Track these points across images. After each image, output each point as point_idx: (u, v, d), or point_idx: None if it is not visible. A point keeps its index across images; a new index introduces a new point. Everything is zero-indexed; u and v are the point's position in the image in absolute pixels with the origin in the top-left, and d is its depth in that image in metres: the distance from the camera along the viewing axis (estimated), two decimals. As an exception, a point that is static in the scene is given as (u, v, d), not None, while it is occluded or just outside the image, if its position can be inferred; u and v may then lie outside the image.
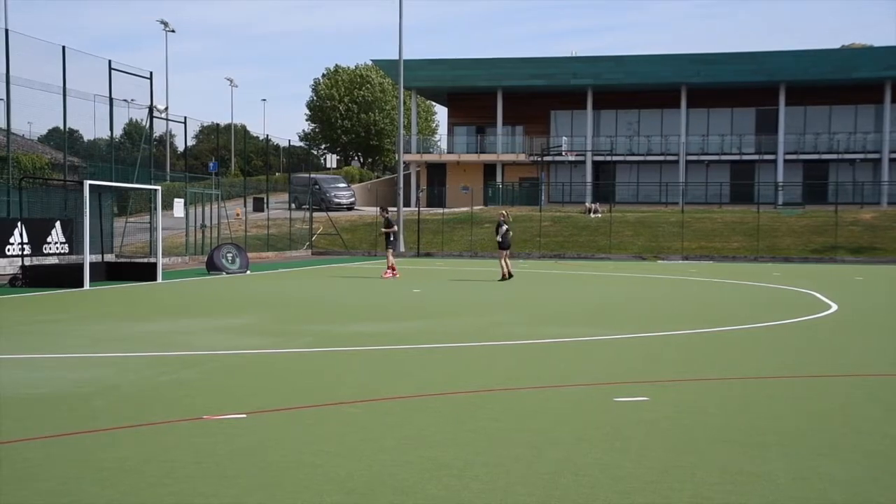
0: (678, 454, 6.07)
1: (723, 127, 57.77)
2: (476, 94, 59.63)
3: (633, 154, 58.13)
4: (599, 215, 47.42)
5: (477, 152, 60.15)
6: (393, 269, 25.03)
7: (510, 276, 23.77)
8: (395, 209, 39.20)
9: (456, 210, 50.59)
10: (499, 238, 23.88)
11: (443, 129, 75.34)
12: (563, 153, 56.48)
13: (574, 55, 62.59)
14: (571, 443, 6.33)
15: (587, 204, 50.95)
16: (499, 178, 58.74)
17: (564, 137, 57.49)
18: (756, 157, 56.31)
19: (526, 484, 5.32)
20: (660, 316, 15.69)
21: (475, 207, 48.68)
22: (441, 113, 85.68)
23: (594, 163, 57.96)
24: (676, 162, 56.93)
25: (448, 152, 61.57)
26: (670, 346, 11.93)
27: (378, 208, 28.84)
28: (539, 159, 56.30)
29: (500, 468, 5.64)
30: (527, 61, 57.86)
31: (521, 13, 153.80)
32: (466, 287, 22.38)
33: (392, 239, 25.69)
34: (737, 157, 56.68)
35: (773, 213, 46.54)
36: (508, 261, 23.95)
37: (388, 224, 25.58)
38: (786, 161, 55.26)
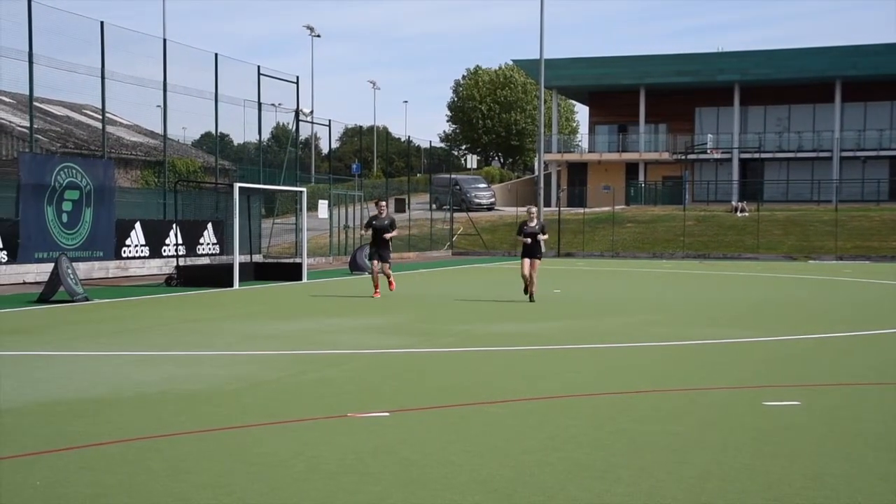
0: (831, 461, 5.79)
1: (881, 121, 55.11)
2: (618, 92, 58.80)
3: (783, 151, 56.14)
4: (746, 214, 46.00)
5: (619, 151, 59.33)
6: (376, 288, 18.16)
7: (531, 296, 17.35)
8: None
9: (597, 210, 50.03)
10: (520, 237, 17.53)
11: (584, 128, 74.63)
12: (709, 151, 55.08)
13: (720, 50, 60.91)
14: (718, 447, 6.13)
15: (733, 202, 49.52)
16: (641, 177, 57.78)
17: (710, 135, 56.05)
18: (918, 151, 53.49)
19: (671, 488, 5.18)
20: (811, 317, 15.09)
21: (617, 207, 48.03)
22: (582, 112, 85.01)
23: (741, 160, 56.28)
24: (830, 158, 54.66)
25: (589, 151, 60.97)
26: (823, 348, 11.45)
27: (375, 201, 20.86)
28: (683, 157, 55.07)
29: (644, 471, 5.51)
30: (670, 58, 56.69)
31: (665, 9, 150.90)
32: (608, 287, 22.08)
33: (376, 248, 18.18)
34: (896, 153, 53.99)
35: (934, 210, 44.09)
36: (536, 275, 17.32)
37: (368, 224, 18.68)
38: (950, 155, 52.28)
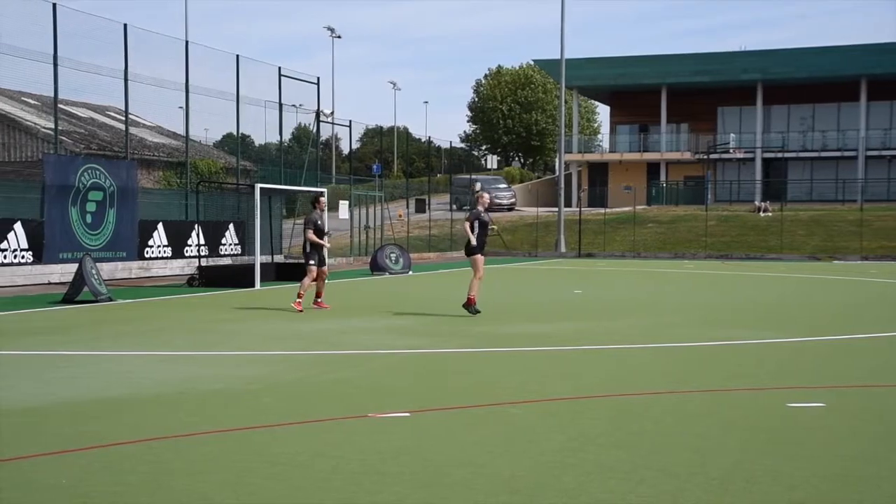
0: (857, 463, 5.73)
1: (907, 119, 54.64)
2: (639, 91, 58.61)
3: (807, 150, 55.76)
4: (769, 214, 45.72)
5: (640, 151, 59.14)
6: (300, 297, 15.39)
7: (474, 307, 14.52)
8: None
9: (618, 210, 49.87)
10: (473, 239, 14.51)
11: (605, 128, 74.45)
12: (731, 150, 54.79)
13: (742, 49, 60.58)
14: (742, 448, 6.08)
15: (756, 202, 49.24)
16: (662, 177, 57.55)
17: (732, 134, 55.77)
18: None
19: (694, 489, 5.14)
20: (836, 318, 14.96)
21: (638, 207, 47.86)
22: (603, 112, 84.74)
23: (764, 160, 55.96)
24: (855, 158, 54.26)
25: (610, 151, 60.81)
26: (848, 349, 11.35)
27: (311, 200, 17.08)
28: (705, 157, 54.80)
29: (667, 472, 5.47)
30: (692, 57, 56.46)
31: (686, 8, 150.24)
32: (629, 287, 21.99)
33: (311, 250, 15.63)
34: (924, 152, 53.51)
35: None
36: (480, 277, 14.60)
37: (315, 227, 15.77)
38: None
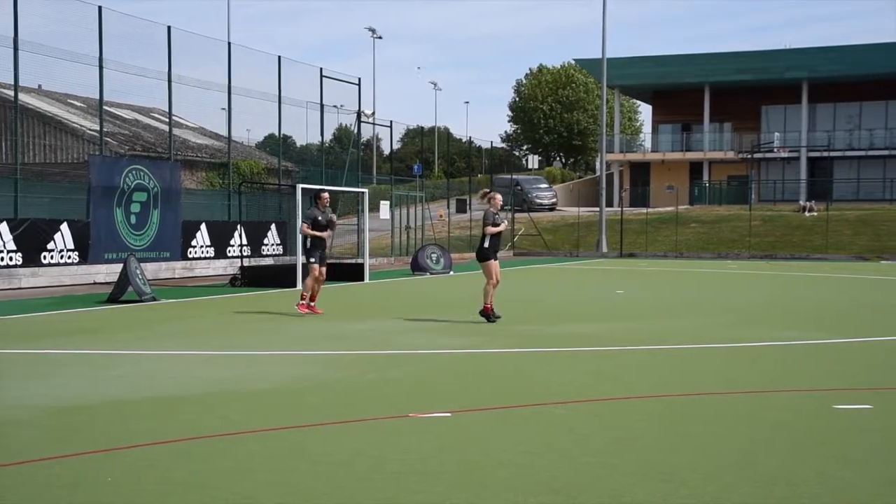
0: (908, 468, 5.63)
1: (956, 117, 53.67)
2: (682, 90, 58.12)
3: (854, 149, 54.94)
4: (815, 213, 45.10)
5: (682, 150, 58.64)
6: (303, 299, 14.76)
7: (493, 314, 13.60)
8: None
9: (660, 210, 49.49)
10: (484, 243, 13.69)
11: (647, 128, 73.94)
12: (775, 150, 54.13)
13: (787, 47, 59.82)
14: (787, 450, 6.00)
15: (801, 202, 48.60)
16: (705, 177, 57.03)
17: (776, 133, 55.10)
18: None
19: (738, 492, 5.08)
20: (884, 319, 14.73)
21: (680, 207, 47.45)
22: (645, 111, 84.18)
23: (809, 159, 55.23)
24: (903, 156, 53.35)
25: (652, 151, 60.37)
26: (896, 351, 11.15)
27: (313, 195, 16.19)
28: (749, 156, 54.22)
29: (711, 475, 5.41)
30: (736, 55, 55.85)
31: (729, 6, 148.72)
32: (672, 288, 21.81)
33: (311, 247, 14.78)
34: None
35: None
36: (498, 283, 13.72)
37: (314, 221, 14.85)
38: None
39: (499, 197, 14.08)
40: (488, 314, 13.56)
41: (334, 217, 14.94)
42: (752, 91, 56.66)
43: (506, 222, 14.26)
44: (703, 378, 8.98)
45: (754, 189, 53.00)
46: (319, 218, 14.73)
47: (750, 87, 56.29)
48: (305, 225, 14.76)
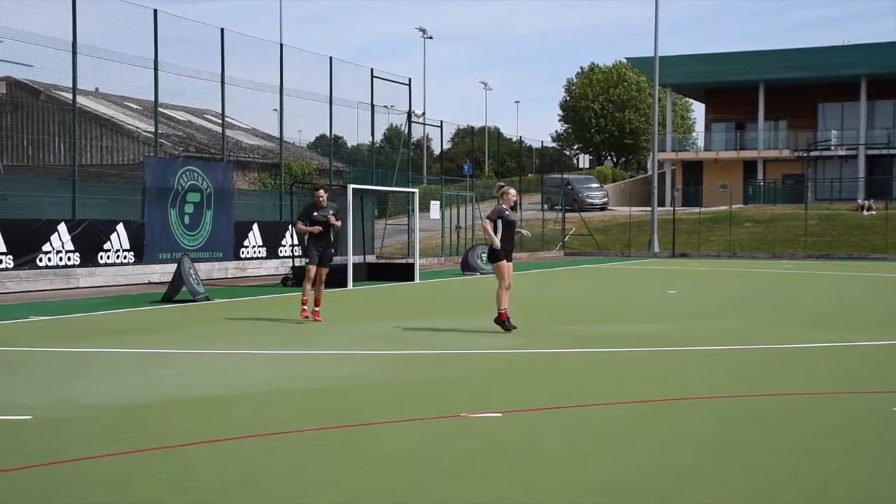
0: (971, 473, 5.48)
1: None
2: (735, 88, 57.37)
3: (914, 146, 53.79)
4: (873, 213, 44.24)
5: (736, 149, 57.89)
6: (304, 304, 13.37)
7: (508, 322, 12.27)
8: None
9: (713, 209, 48.91)
10: (497, 240, 12.20)
11: (699, 126, 73.10)
12: (832, 147, 53.20)
13: (845, 44, 58.73)
14: (843, 453, 5.89)
15: (859, 201, 47.72)
16: (759, 176, 56.24)
17: (833, 131, 54.16)
18: None
19: (791, 494, 5.00)
20: (944, 321, 14.38)
21: (734, 206, 46.86)
22: (698, 109, 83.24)
23: (868, 157, 54.19)
24: (970, 153, 52.10)
25: (705, 150, 59.70)
26: (958, 353, 10.88)
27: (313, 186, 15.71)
28: (804, 155, 53.36)
29: (764, 476, 5.32)
30: (791, 52, 54.96)
31: (783, 2, 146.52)
32: (725, 288, 21.53)
33: (312, 245, 13.64)
34: None
35: None
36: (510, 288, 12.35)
37: (306, 215, 13.75)
38: None
39: (512, 192, 12.67)
40: (504, 322, 12.18)
41: (332, 217, 13.52)
42: (808, 88, 55.73)
43: (523, 228, 12.80)
44: (755, 379, 8.85)
45: (810, 188, 52.12)
46: (315, 214, 13.51)
47: (806, 84, 55.37)
48: (301, 223, 13.65)
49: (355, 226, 23.33)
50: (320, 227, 13.44)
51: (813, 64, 53.86)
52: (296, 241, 26.21)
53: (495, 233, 12.14)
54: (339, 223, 13.87)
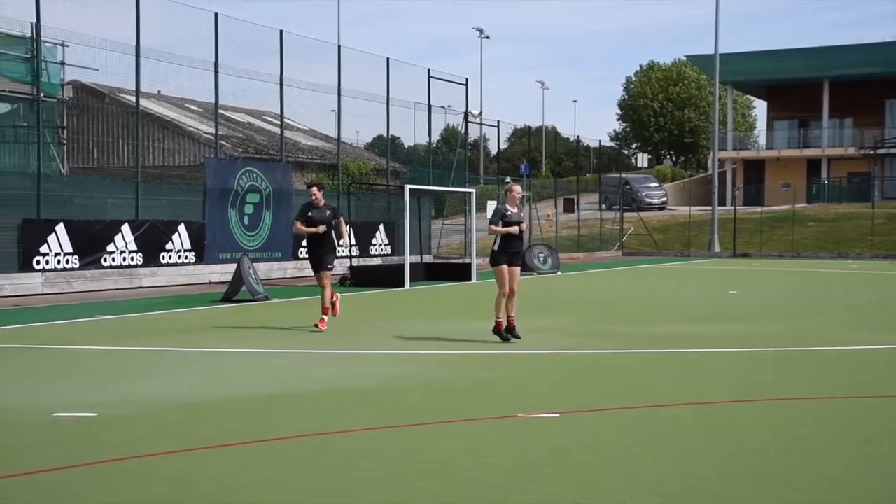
0: None
1: None
2: (799, 85, 56.33)
3: None
4: (941, 211, 43.10)
5: (799, 147, 56.86)
6: (329, 310, 12.46)
7: (511, 331, 11.24)
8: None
9: (775, 208, 48.09)
10: (494, 245, 11.30)
11: (761, 124, 71.98)
12: (901, 145, 51.98)
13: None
14: (911, 459, 5.72)
15: (928, 199, 46.56)
16: (824, 174, 55.17)
17: (901, 128, 52.93)
18: None
19: (853, 497, 4.86)
20: None
21: (797, 205, 46.02)
22: (760, 107, 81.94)
23: (938, 154, 52.85)
24: None
25: (767, 148, 58.76)
26: None
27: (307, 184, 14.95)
28: (871, 152, 52.22)
29: (827, 480, 5.21)
30: (858, 48, 53.82)
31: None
32: (787, 288, 21.15)
33: (309, 249, 13.19)
34: None
35: None
36: (517, 291, 11.27)
37: (303, 215, 12.70)
38: None
39: (517, 189, 11.45)
40: (500, 331, 11.14)
41: (331, 215, 12.58)
42: (875, 85, 54.50)
43: (525, 223, 11.55)
44: (819, 381, 8.67)
45: (877, 186, 50.96)
46: (310, 214, 12.47)
47: (873, 80, 54.17)
48: (298, 223, 12.61)
49: (412, 226, 23.39)
50: (319, 229, 12.38)
51: (880, 59, 52.66)
52: (353, 242, 26.34)
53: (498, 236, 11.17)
54: (343, 229, 12.78)
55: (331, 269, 12.55)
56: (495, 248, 11.18)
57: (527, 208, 36.45)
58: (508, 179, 12.52)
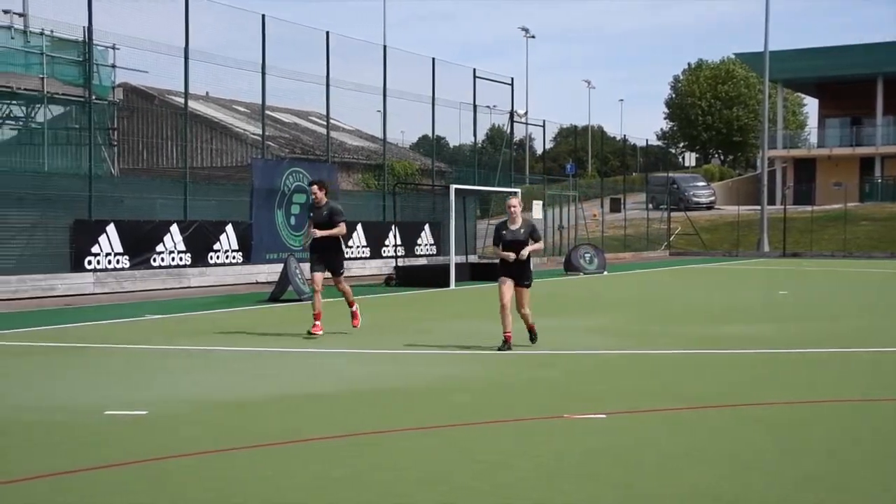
0: None
1: None
2: (851, 82, 55.39)
3: None
4: None
5: (851, 145, 55.90)
6: (317, 319, 11.79)
7: (532, 334, 10.89)
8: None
9: (826, 207, 47.34)
10: (499, 250, 10.65)
11: (812, 122, 70.89)
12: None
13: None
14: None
15: (985, 198, 45.52)
16: (877, 173, 54.20)
17: (958, 125, 51.80)
18: None
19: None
20: None
21: (849, 204, 45.25)
22: (811, 105, 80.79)
23: None
24: None
25: (818, 146, 57.85)
26: None
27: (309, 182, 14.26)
28: (926, 150, 51.19)
29: (884, 485, 5.09)
30: (912, 44, 52.75)
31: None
32: (839, 288, 20.79)
33: (311, 250, 12.05)
34: None
35: None
36: (528, 308, 10.69)
37: (315, 208, 11.93)
38: None
39: (512, 203, 10.72)
40: (504, 341, 10.51)
41: (327, 215, 11.78)
42: (931, 81, 53.45)
43: (525, 251, 10.42)
44: (875, 383, 8.50)
45: (933, 184, 49.99)
46: (311, 215, 11.91)
47: (928, 76, 53.13)
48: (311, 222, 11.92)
49: (458, 226, 23.36)
50: (315, 233, 11.70)
51: (936, 55, 51.60)
52: (399, 242, 26.38)
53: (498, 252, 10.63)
54: (340, 229, 11.81)
55: (343, 273, 12.13)
56: (502, 254, 10.53)
57: (572, 208, 36.30)
58: (510, 191, 10.79)
